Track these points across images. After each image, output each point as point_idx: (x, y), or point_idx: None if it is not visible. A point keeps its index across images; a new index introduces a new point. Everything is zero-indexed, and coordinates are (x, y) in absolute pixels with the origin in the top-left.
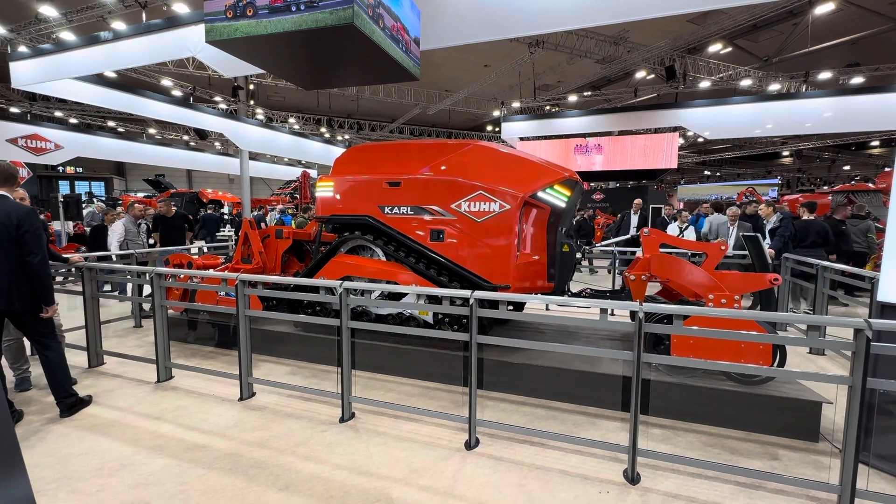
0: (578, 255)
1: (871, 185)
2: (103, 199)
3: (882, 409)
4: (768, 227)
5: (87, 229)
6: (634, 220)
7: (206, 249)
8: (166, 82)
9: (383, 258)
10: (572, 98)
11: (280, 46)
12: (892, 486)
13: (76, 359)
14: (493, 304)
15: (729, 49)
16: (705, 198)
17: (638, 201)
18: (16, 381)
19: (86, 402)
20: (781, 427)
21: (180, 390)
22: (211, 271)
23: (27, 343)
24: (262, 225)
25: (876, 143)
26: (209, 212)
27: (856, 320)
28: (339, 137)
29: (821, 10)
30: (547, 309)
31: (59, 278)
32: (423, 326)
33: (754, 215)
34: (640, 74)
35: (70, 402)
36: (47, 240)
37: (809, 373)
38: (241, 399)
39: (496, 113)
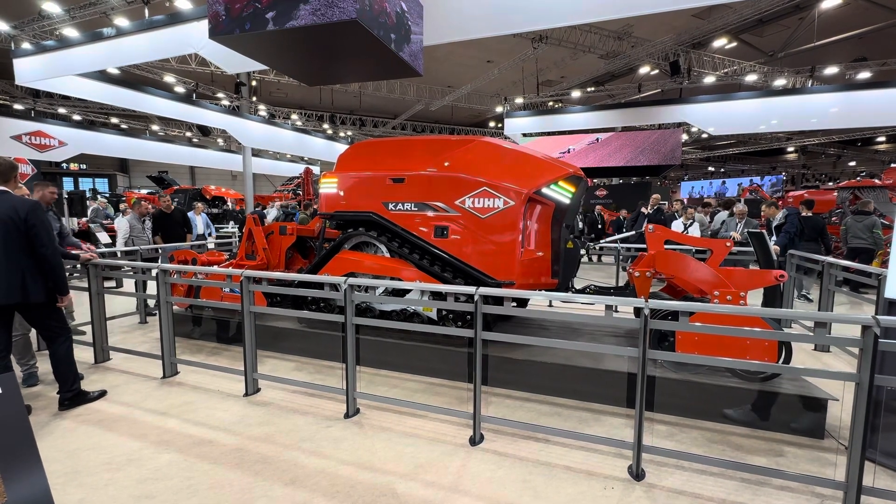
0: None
1: (877, 181)
2: (107, 195)
3: (889, 407)
4: (774, 223)
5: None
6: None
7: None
8: (169, 79)
9: (387, 255)
10: (576, 94)
11: (282, 42)
12: None
13: (82, 355)
14: (498, 301)
15: (734, 44)
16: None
17: (656, 196)
18: (23, 376)
19: (87, 397)
20: (786, 424)
21: (186, 386)
22: (215, 268)
23: (34, 338)
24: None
25: (882, 138)
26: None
27: (864, 317)
28: (342, 134)
29: (827, 3)
30: (550, 305)
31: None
32: (428, 323)
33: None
34: (644, 70)
35: (68, 397)
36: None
37: (816, 370)
38: (246, 395)
39: (499, 109)
